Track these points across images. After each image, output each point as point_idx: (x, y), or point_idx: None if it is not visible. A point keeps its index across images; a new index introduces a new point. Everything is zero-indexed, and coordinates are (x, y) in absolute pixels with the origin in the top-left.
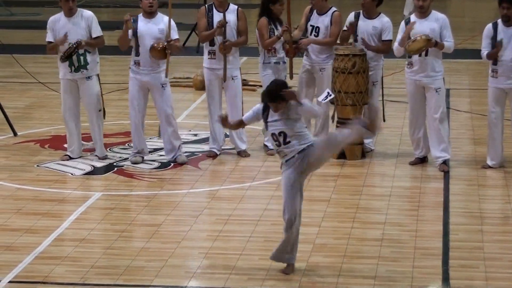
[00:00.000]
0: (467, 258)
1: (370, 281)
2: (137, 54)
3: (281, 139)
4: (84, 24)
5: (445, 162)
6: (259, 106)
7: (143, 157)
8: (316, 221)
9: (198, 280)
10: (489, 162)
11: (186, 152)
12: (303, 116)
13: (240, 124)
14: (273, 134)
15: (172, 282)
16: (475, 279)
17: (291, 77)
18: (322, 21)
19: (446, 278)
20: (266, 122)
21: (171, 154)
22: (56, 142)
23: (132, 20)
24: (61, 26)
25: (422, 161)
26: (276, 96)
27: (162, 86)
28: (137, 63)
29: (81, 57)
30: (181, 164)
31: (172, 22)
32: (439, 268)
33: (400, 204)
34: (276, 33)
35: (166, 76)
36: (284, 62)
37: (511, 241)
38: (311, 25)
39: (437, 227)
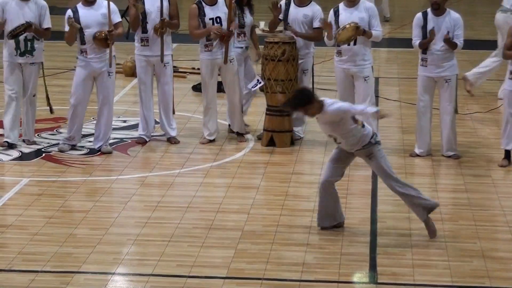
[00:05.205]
0: (394, 246)
1: (298, 268)
2: (83, 42)
3: None
4: (37, 12)
5: None
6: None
7: (72, 146)
8: (245, 208)
9: (126, 267)
10: (417, 151)
11: (115, 138)
12: None
13: None
14: None
15: (100, 269)
16: (402, 266)
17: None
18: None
19: (373, 265)
20: None
21: (99, 143)
22: None
23: (73, 16)
24: (12, 7)
25: None
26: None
27: (109, 74)
28: (84, 52)
29: (28, 43)
30: (106, 153)
31: (113, 5)
32: (367, 255)
33: None
34: (241, 20)
35: (110, 66)
36: (247, 47)
37: (438, 229)
38: None
39: (365, 214)
